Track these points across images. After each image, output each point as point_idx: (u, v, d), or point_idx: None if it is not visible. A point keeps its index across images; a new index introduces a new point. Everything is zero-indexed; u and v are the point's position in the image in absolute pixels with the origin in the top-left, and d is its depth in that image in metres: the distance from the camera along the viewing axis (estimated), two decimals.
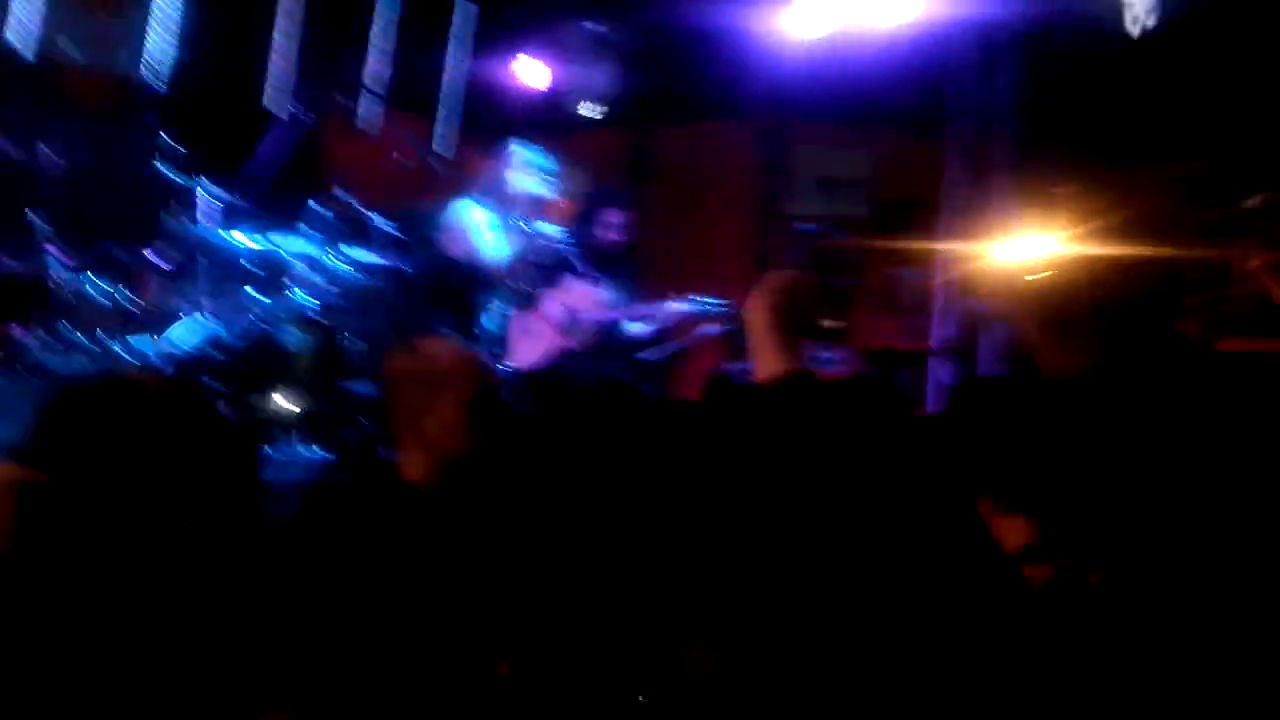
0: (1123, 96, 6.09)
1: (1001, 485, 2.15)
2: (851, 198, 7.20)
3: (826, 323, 2.43)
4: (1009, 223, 5.66)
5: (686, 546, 2.37)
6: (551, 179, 5.07)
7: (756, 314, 2.35)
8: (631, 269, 5.48)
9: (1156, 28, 5.45)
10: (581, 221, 5.29)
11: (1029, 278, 5.23)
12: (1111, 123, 6.17)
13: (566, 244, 5.11)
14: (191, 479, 2.01)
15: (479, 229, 4.95)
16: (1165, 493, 2.06)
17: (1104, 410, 2.36)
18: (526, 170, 5.02)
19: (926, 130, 6.25)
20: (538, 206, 5.05)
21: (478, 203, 5.03)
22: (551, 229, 5.03)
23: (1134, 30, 5.48)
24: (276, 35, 6.53)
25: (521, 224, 5.00)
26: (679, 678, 2.26)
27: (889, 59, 6.07)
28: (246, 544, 2.20)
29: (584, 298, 5.15)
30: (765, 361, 2.32)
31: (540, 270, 5.08)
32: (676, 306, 5.09)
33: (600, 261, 5.24)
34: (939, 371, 5.52)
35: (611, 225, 5.23)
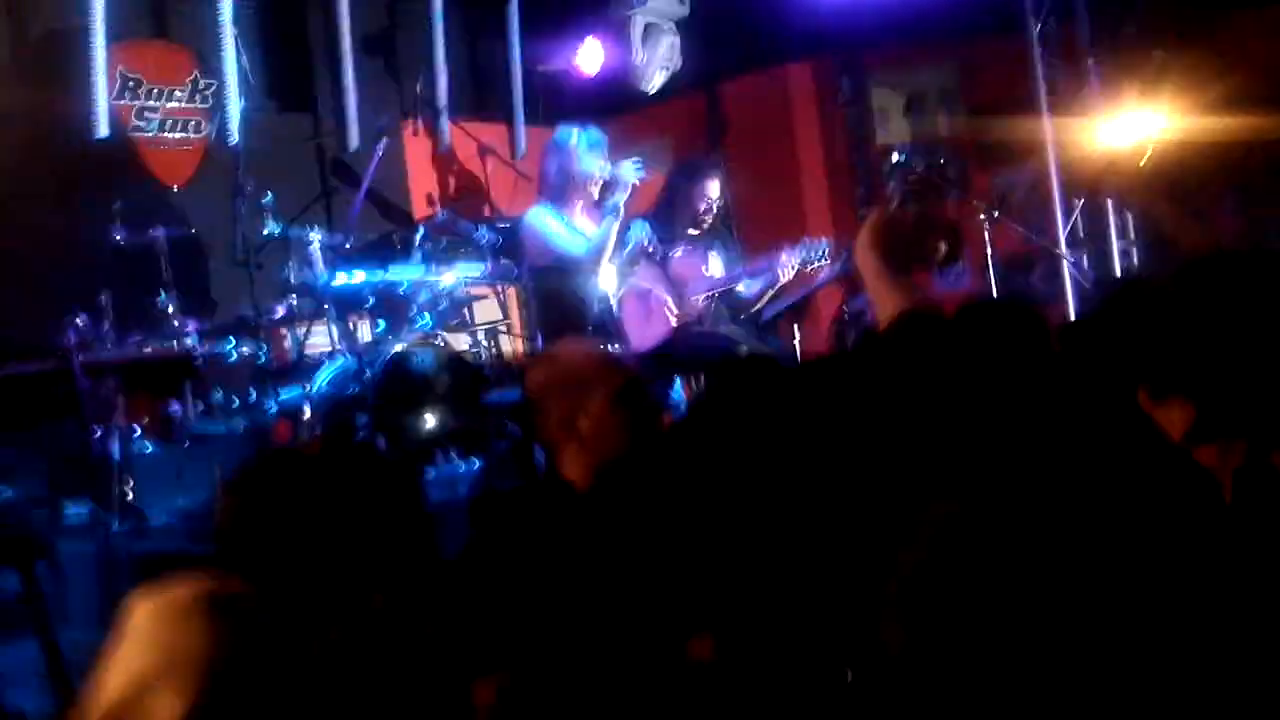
0: None
1: (1154, 374, 2.07)
2: (944, 112, 7.04)
3: (940, 247, 2.38)
4: (1110, 103, 5.47)
5: (857, 510, 2.34)
6: (605, 152, 4.99)
7: (865, 257, 2.32)
8: (731, 231, 5.43)
9: None
10: (674, 197, 5.25)
11: (1143, 159, 5.05)
12: None
13: (657, 222, 5.09)
14: (374, 533, 2.04)
15: (555, 231, 4.94)
16: None
17: (1255, 284, 2.24)
18: (581, 152, 4.97)
19: (1009, 29, 6.06)
20: (611, 185, 4.97)
21: (546, 207, 5.02)
22: (640, 170, 4.93)
23: None
24: (344, 76, 6.63)
25: (607, 204, 4.95)
26: (878, 650, 2.23)
27: None
28: (429, 578, 2.24)
29: (689, 268, 5.12)
30: (882, 303, 2.29)
31: (642, 247, 5.05)
32: (785, 258, 5.01)
33: (700, 231, 5.20)
34: (1070, 267, 5.37)
35: (704, 196, 5.17)
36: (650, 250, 5.03)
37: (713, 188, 5.15)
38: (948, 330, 2.37)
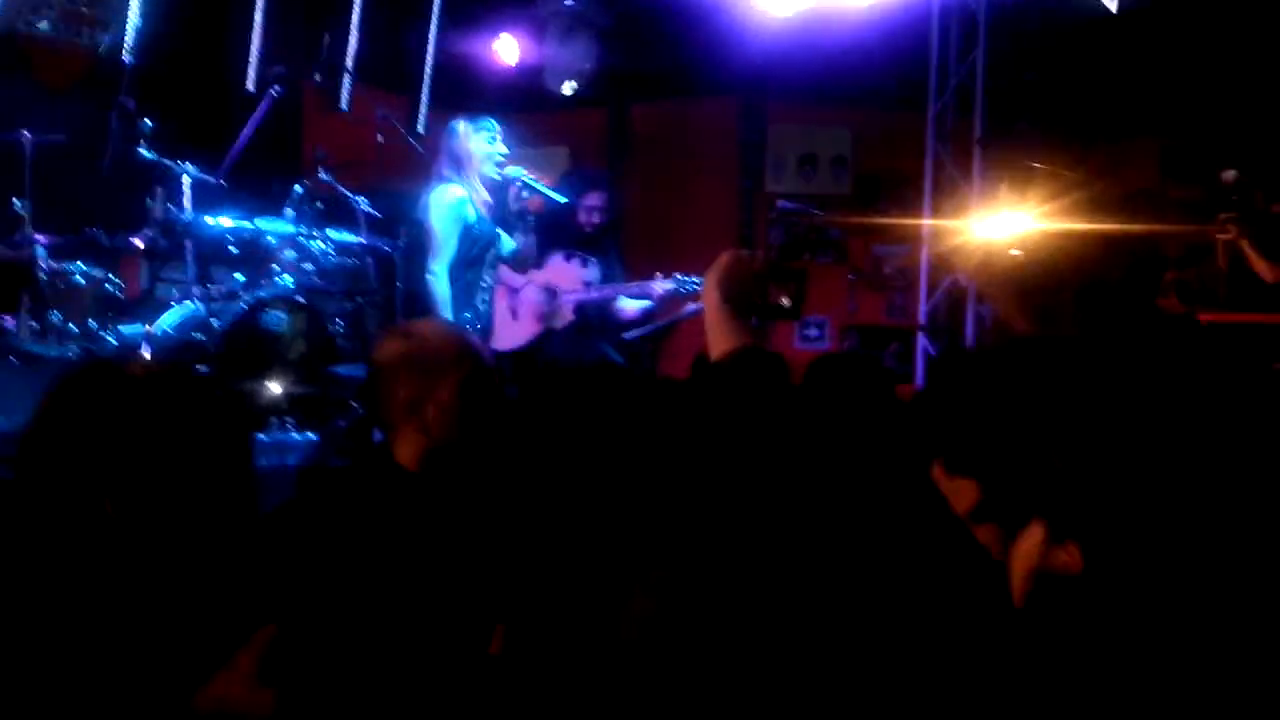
0: (1099, 72, 6.17)
1: (952, 449, 2.20)
2: (833, 174, 7.24)
3: (782, 300, 2.46)
4: (988, 199, 5.73)
5: (664, 522, 2.42)
6: (496, 137, 4.95)
7: (710, 292, 2.40)
8: (614, 248, 5.48)
9: (1134, 2, 5.51)
10: (560, 204, 5.26)
11: (1009, 254, 5.30)
12: (1087, 99, 6.24)
13: (541, 226, 5.08)
14: (185, 466, 2.01)
15: (456, 219, 4.88)
16: (1136, 461, 2.11)
17: (1072, 375, 2.39)
18: (481, 140, 4.92)
19: (906, 106, 6.29)
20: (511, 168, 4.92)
21: (453, 181, 4.96)
22: (523, 173, 4.90)
23: (1111, 4, 5.53)
24: (254, 13, 6.47)
25: (510, 181, 4.91)
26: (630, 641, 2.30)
27: (866, 36, 6.10)
28: (241, 530, 2.22)
29: (566, 275, 5.16)
30: (716, 339, 2.37)
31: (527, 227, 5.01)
32: (661, 285, 5.09)
33: (583, 242, 5.25)
34: (925, 344, 5.57)
35: (593, 208, 5.24)
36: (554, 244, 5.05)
37: (594, 199, 5.21)
38: (780, 369, 2.46)
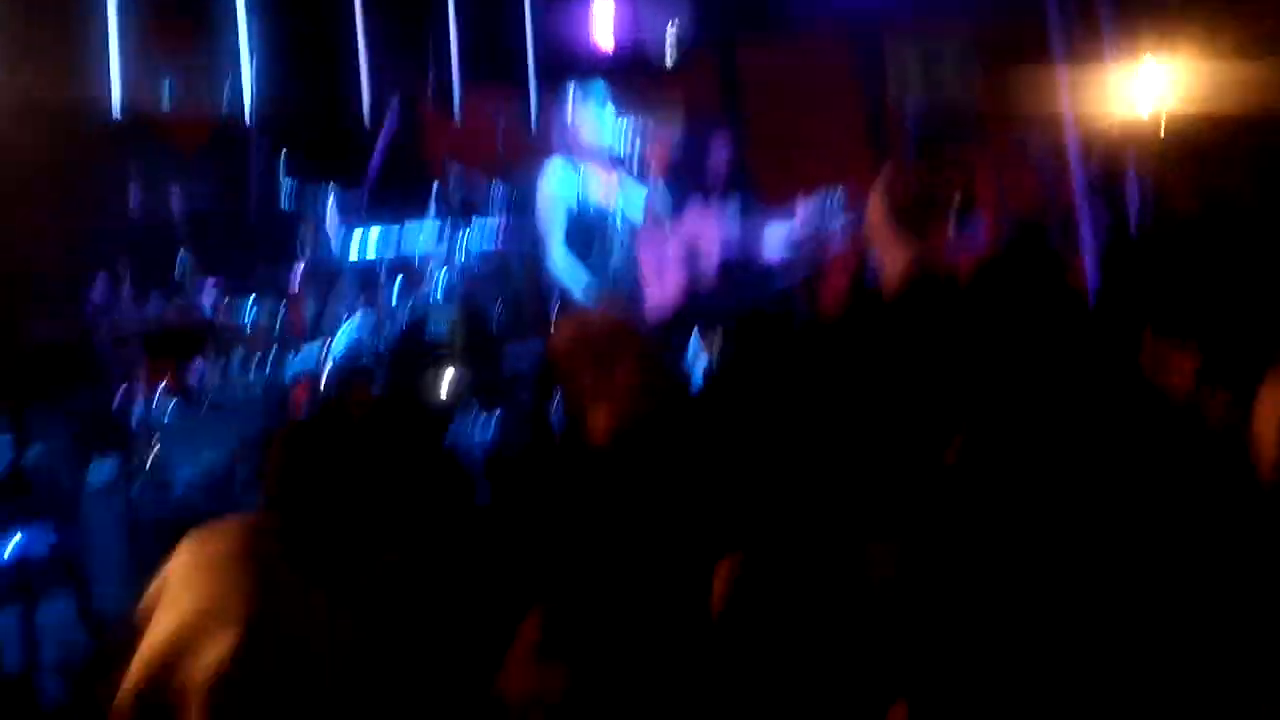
0: None
1: (1162, 318, 2.08)
2: (960, 68, 6.98)
3: (954, 197, 2.38)
4: (1126, 55, 5.42)
5: (860, 463, 2.36)
6: (611, 114, 4.95)
7: (874, 212, 2.33)
8: (746, 192, 5.41)
9: None
10: (683, 158, 5.25)
11: (1159, 128, 4.96)
12: None
13: (671, 184, 5.08)
14: (419, 491, 2.09)
15: (565, 190, 4.92)
16: None
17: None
18: (590, 109, 4.93)
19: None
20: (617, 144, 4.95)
21: (561, 159, 4.99)
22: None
23: None
24: (358, 44, 6.65)
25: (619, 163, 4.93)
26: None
27: None
28: (471, 524, 2.27)
29: (704, 227, 5.11)
30: (889, 259, 2.30)
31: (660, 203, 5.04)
32: (800, 212, 4.97)
33: (715, 188, 5.21)
34: (1087, 216, 5.32)
35: (712, 153, 5.20)
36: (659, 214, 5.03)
37: (719, 146, 5.17)
38: (957, 296, 2.37)
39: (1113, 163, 5.39)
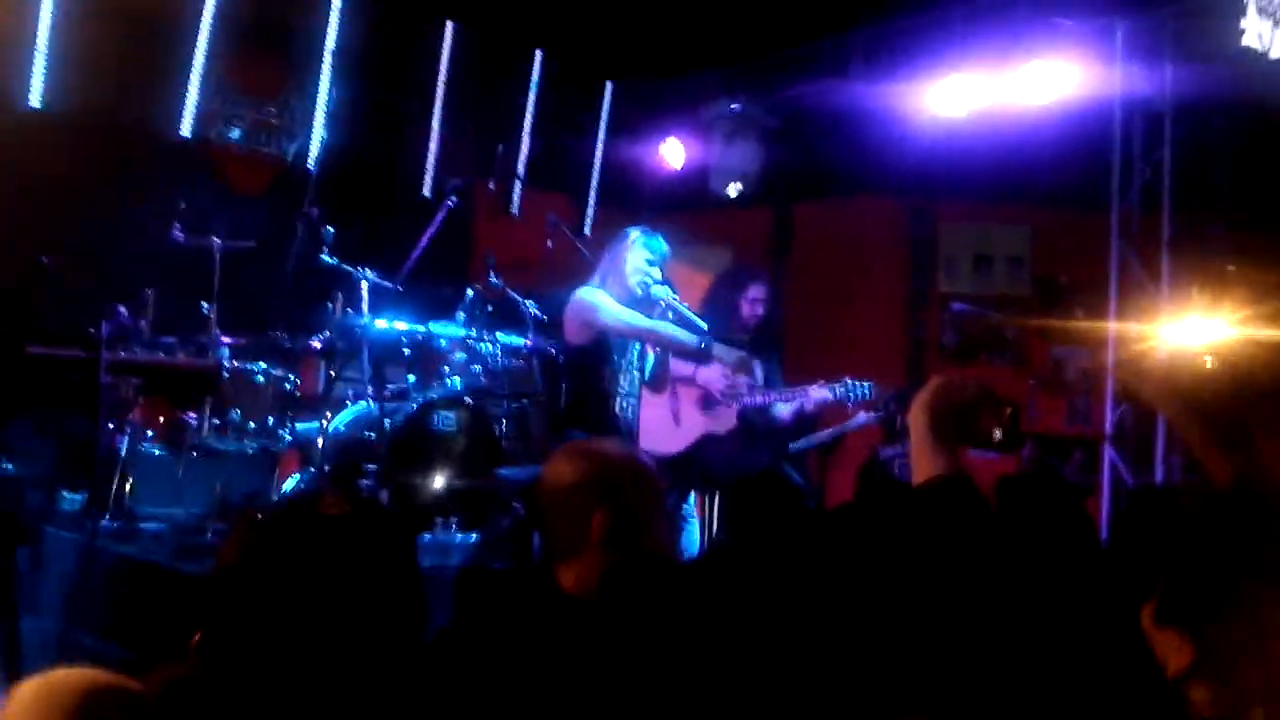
0: None
1: (1163, 596, 2.00)
2: (1009, 275, 7.02)
3: (995, 434, 2.32)
4: (1178, 303, 5.42)
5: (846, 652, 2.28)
6: (663, 264, 4.97)
7: (917, 416, 2.29)
8: (776, 351, 5.36)
9: None
10: (725, 298, 5.21)
11: (1199, 363, 4.96)
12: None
13: (706, 322, 5.04)
14: (372, 589, 1.99)
15: (605, 304, 4.90)
16: None
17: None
18: (642, 255, 4.95)
19: (1086, 206, 6.05)
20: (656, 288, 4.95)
21: (600, 287, 4.99)
22: (670, 294, 4.91)
23: None
24: (432, 123, 6.74)
25: (654, 301, 4.94)
26: None
27: (1045, 133, 5.92)
28: (410, 659, 2.17)
29: (726, 377, 5.06)
30: (920, 465, 2.25)
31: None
32: (824, 391, 4.91)
33: (746, 340, 5.14)
34: (1112, 457, 5.25)
35: (756, 300, 5.14)
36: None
37: (756, 291, 5.11)
38: (981, 503, 2.32)
39: (1147, 411, 5.35)
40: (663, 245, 4.88)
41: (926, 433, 2.23)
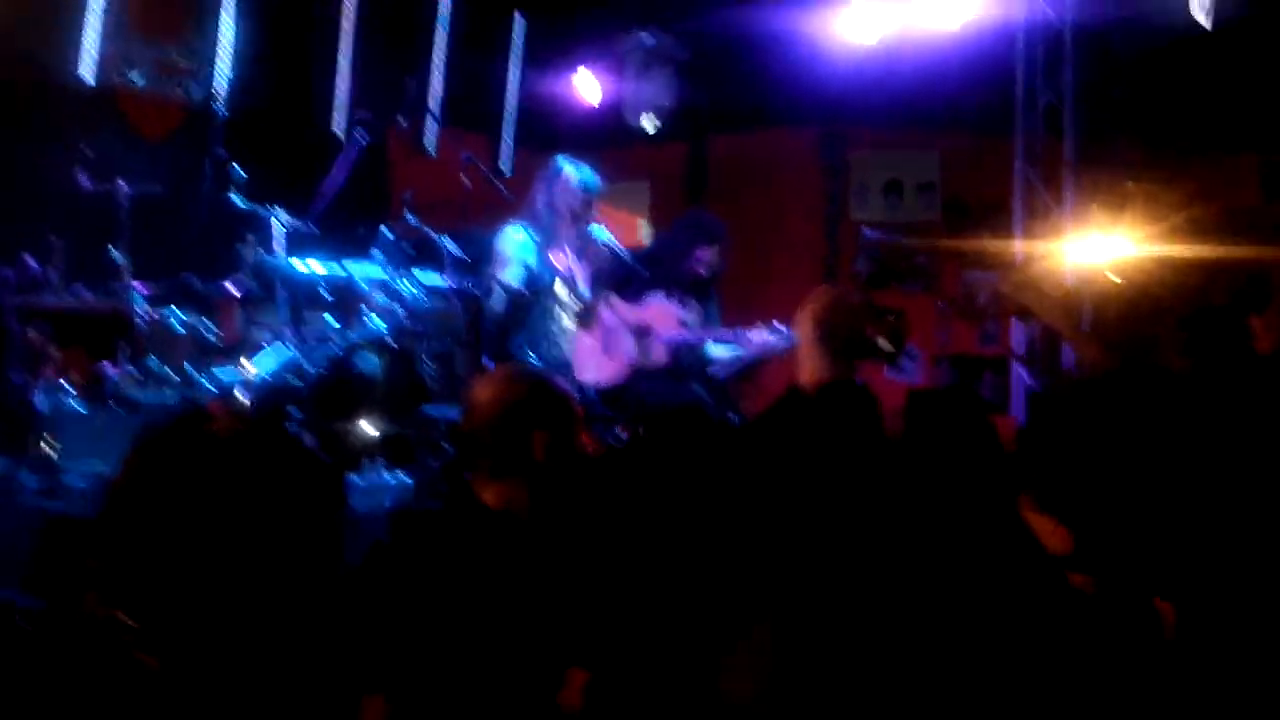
0: (1194, 88, 5.99)
1: (1041, 486, 2.14)
2: (920, 201, 7.14)
3: (879, 341, 2.42)
4: (1081, 222, 5.58)
5: (747, 555, 2.39)
6: (596, 195, 5.02)
7: (803, 325, 2.39)
8: (715, 293, 5.35)
9: (1230, 15, 5.35)
10: (671, 249, 5.21)
11: (1104, 279, 5.14)
12: (1182, 115, 6.06)
13: (640, 261, 5.07)
14: (277, 514, 2.01)
15: (520, 255, 4.95)
16: (1223, 507, 2.03)
17: (1177, 414, 2.32)
18: (574, 187, 4.99)
19: (993, 130, 6.17)
20: (587, 219, 5.00)
21: (524, 228, 5.01)
22: (609, 237, 4.97)
23: (1205, 20, 5.37)
24: (339, 60, 6.61)
25: (582, 237, 4.98)
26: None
27: (950, 59, 6.01)
28: (334, 570, 2.21)
29: (663, 316, 5.10)
30: (806, 371, 2.36)
31: (611, 282, 5.06)
32: (757, 335, 4.93)
33: (684, 287, 5.15)
34: (1022, 377, 5.42)
35: (701, 261, 5.11)
36: (648, 282, 5.01)
37: (706, 255, 5.08)
38: (869, 403, 2.42)
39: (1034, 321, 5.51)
40: (594, 177, 4.91)
41: (814, 341, 2.33)
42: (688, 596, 2.46)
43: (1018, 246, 5.52)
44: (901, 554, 2.16)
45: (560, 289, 5.02)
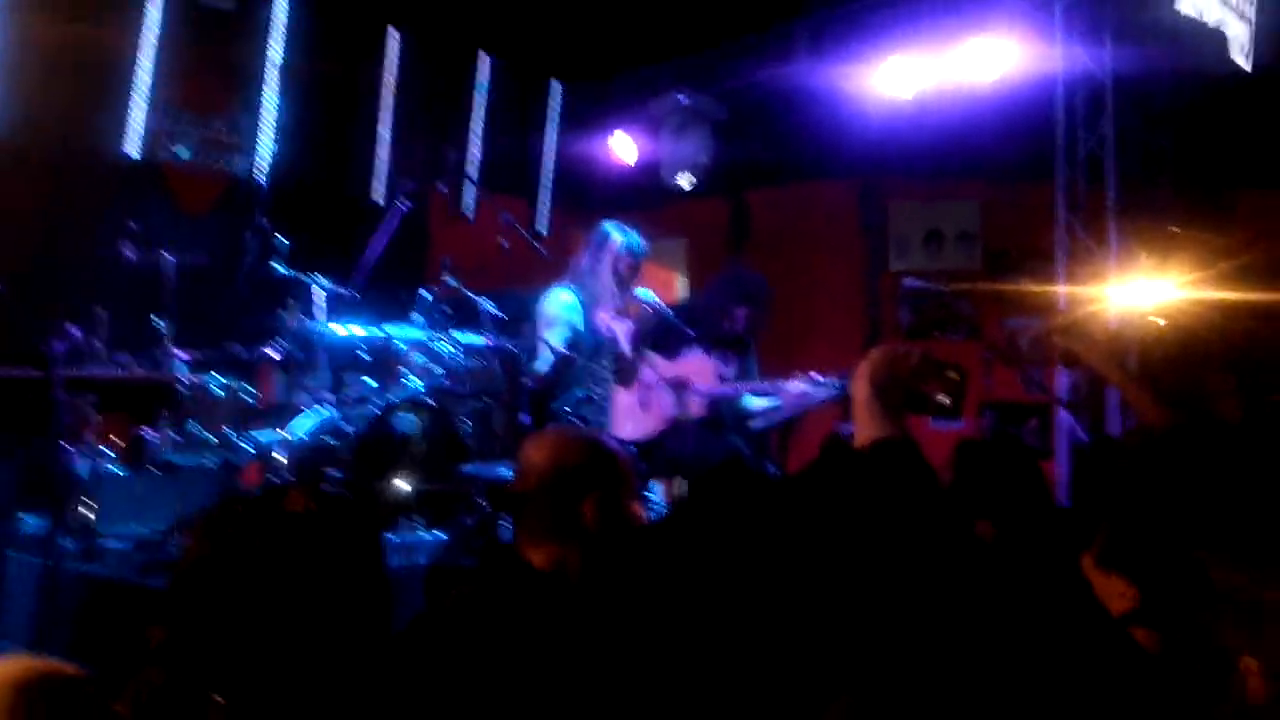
0: (1236, 131, 5.92)
1: (1106, 544, 2.05)
2: (961, 250, 7.09)
3: (939, 397, 2.34)
4: (1125, 268, 5.50)
5: (817, 626, 2.31)
6: (643, 259, 5.06)
7: (859, 385, 2.32)
8: (753, 346, 5.31)
9: (1267, 59, 5.30)
10: (709, 306, 5.19)
11: (1148, 324, 5.03)
12: (1226, 160, 5.99)
13: (678, 316, 5.05)
14: (334, 586, 1.99)
15: (567, 317, 4.97)
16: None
17: (1236, 469, 2.24)
18: (622, 252, 5.03)
19: (1033, 179, 6.13)
20: (633, 282, 5.04)
21: (571, 289, 5.04)
22: (653, 298, 4.98)
23: (1245, 63, 5.32)
24: (379, 130, 6.73)
25: (626, 299, 4.99)
26: None
27: (987, 110, 6.00)
28: (376, 638, 2.17)
29: (700, 370, 5.07)
30: (861, 431, 2.28)
31: (651, 340, 5.05)
32: (794, 385, 4.89)
33: (723, 343, 5.12)
34: (1066, 422, 5.32)
35: (738, 319, 5.08)
36: (687, 338, 4.99)
37: (744, 314, 5.04)
38: (918, 459, 2.36)
39: (1084, 370, 5.42)
40: (640, 241, 4.97)
41: (870, 400, 2.26)
42: (756, 670, 2.39)
43: (1061, 292, 5.44)
44: (970, 618, 2.09)
45: (604, 350, 5.03)
